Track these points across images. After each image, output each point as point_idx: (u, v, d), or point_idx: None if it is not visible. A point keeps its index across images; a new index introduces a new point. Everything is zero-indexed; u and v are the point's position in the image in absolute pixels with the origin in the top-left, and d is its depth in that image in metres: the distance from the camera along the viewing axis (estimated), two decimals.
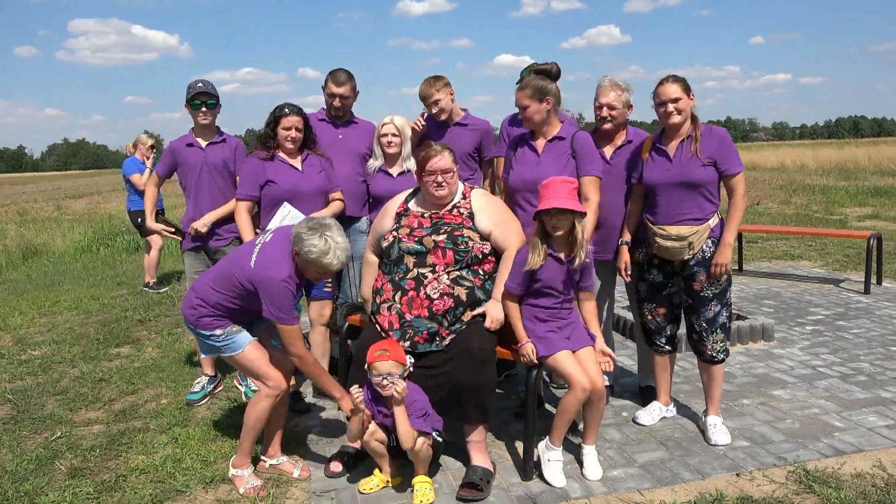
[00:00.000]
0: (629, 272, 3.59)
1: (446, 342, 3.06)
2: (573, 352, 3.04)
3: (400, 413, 2.84)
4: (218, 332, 3.01)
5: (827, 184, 17.94)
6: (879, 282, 6.73)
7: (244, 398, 4.16)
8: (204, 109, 4.04)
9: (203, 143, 4.08)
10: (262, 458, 3.26)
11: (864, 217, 11.86)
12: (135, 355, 5.21)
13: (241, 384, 4.27)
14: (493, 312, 3.11)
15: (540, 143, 3.58)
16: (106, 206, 20.52)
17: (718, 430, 3.41)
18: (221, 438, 3.60)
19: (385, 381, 2.83)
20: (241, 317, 3.08)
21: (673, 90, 3.25)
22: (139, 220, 7.44)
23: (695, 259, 3.30)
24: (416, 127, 4.18)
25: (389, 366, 2.83)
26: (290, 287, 2.86)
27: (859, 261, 7.86)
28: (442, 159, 3.21)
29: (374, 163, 4.18)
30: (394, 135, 4.08)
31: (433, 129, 4.40)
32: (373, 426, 2.93)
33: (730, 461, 3.19)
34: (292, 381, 3.43)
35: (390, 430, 2.96)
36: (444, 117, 4.22)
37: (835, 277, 7.16)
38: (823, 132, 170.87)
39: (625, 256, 3.58)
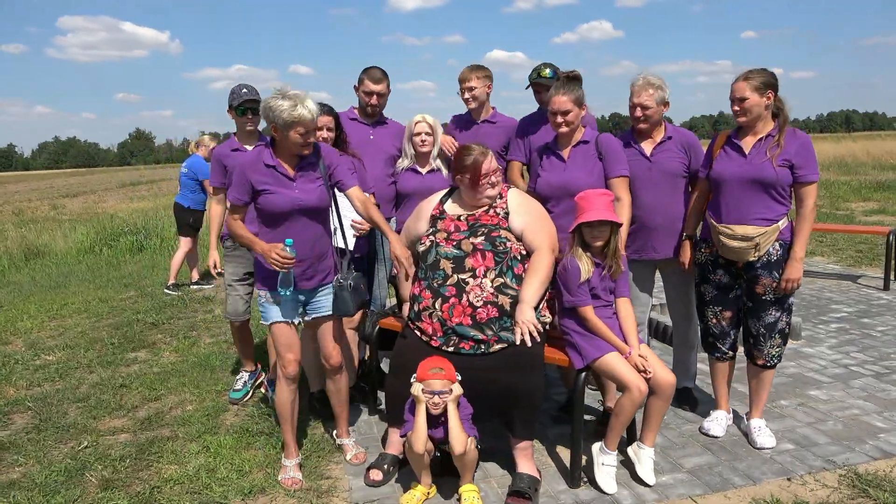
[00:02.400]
0: (689, 268, 3.52)
1: (494, 349, 2.98)
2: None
3: (453, 415, 2.78)
4: (262, 293, 3.12)
5: (828, 178, 17.94)
6: None
7: (270, 404, 4.08)
8: (251, 116, 3.93)
9: (249, 147, 3.98)
10: (334, 435, 3.51)
11: (871, 212, 11.85)
12: (153, 360, 5.12)
13: (268, 390, 4.19)
14: (521, 316, 2.97)
15: (566, 150, 3.53)
16: (103, 206, 20.33)
17: (764, 434, 3.35)
18: (254, 447, 3.52)
19: (437, 399, 2.78)
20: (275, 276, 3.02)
21: (740, 88, 3.15)
22: (191, 219, 7.76)
23: (760, 261, 3.21)
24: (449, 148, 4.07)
25: (442, 384, 2.79)
26: (246, 165, 3.01)
27: (872, 256, 7.84)
28: (492, 160, 3.21)
29: (403, 161, 4.11)
30: (427, 133, 4.01)
31: (462, 127, 4.34)
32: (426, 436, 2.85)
33: (778, 465, 3.13)
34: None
35: (436, 440, 2.89)
36: (473, 105, 4.18)
37: (851, 273, 7.13)
38: (815, 126, 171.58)
39: (687, 251, 3.50)
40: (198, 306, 6.89)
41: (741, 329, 3.46)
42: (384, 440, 3.49)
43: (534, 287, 3.03)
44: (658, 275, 3.81)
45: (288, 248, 2.90)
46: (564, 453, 3.34)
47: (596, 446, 3.07)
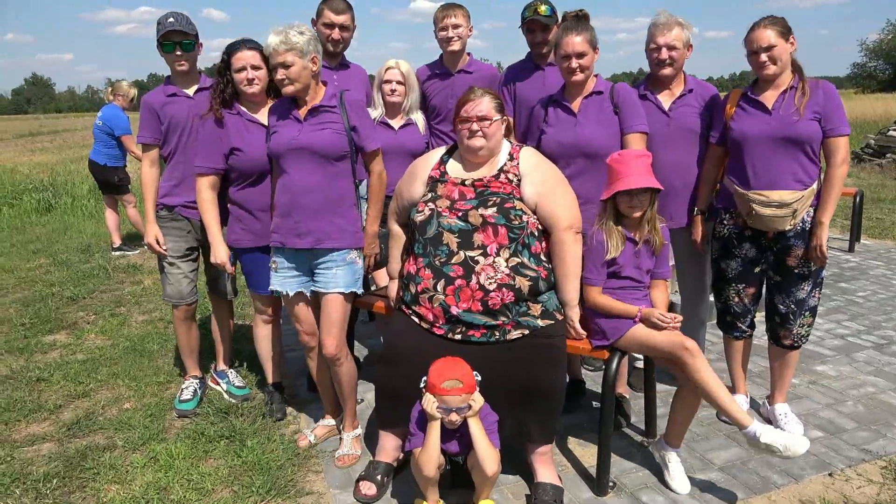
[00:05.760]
0: (703, 245, 3.16)
1: (512, 336, 2.51)
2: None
3: (478, 430, 2.30)
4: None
5: None
6: (858, 238, 6.66)
7: (226, 397, 3.49)
8: (179, 53, 3.15)
9: (189, 92, 3.24)
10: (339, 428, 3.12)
11: None
12: (75, 344, 4.36)
13: (218, 383, 3.58)
14: (576, 318, 2.65)
15: (576, 101, 3.05)
16: (0, 159, 18.34)
17: (791, 421, 3.07)
18: (213, 456, 2.94)
19: (454, 416, 2.30)
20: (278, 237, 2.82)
21: (767, 36, 2.77)
22: (116, 177, 6.92)
23: (793, 230, 2.87)
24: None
25: (461, 400, 2.29)
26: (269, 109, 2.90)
27: None
28: (479, 104, 2.63)
29: (374, 112, 3.53)
30: (399, 82, 3.50)
31: (433, 79, 3.78)
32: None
33: (814, 457, 2.85)
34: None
35: (449, 453, 2.42)
36: (456, 48, 3.63)
37: None
38: (728, 84, 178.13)
39: (699, 227, 3.14)
40: (123, 276, 6.07)
41: (763, 307, 3.14)
42: (369, 440, 3.02)
43: (573, 284, 2.62)
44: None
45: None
46: (579, 450, 2.96)
47: (659, 452, 2.73)
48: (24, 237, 7.95)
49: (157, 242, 3.22)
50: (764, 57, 2.81)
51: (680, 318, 2.53)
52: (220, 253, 3.03)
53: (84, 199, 9.95)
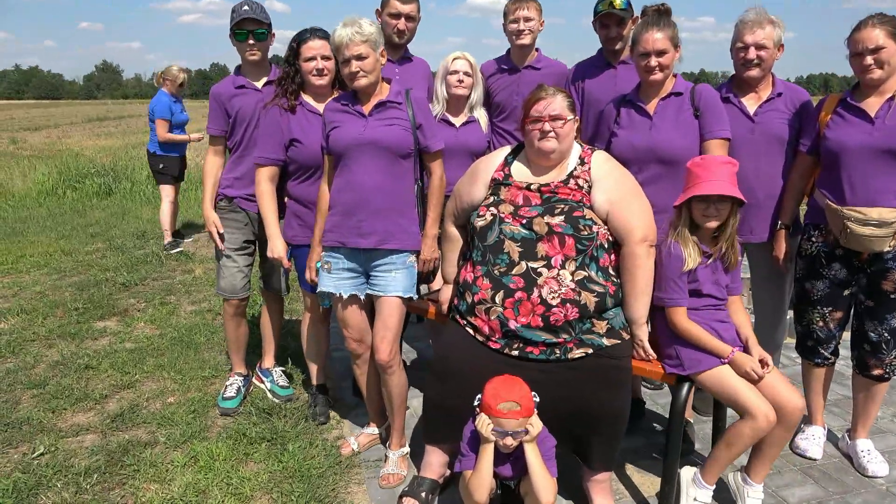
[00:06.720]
0: (787, 264, 2.90)
1: (574, 355, 2.32)
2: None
3: (535, 457, 2.13)
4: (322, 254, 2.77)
5: None
6: None
7: (269, 397, 3.41)
8: (251, 42, 3.09)
9: (258, 84, 3.16)
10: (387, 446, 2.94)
11: None
12: (124, 332, 4.37)
13: (262, 381, 3.50)
14: (645, 338, 2.47)
15: (652, 103, 2.82)
16: (68, 142, 18.99)
17: (875, 459, 2.79)
18: (254, 459, 2.85)
19: (510, 440, 2.14)
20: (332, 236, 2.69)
21: (875, 36, 2.51)
22: (160, 165, 6.70)
23: (892, 252, 2.60)
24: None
25: (518, 423, 2.13)
26: (326, 107, 2.75)
27: None
28: (552, 103, 2.43)
29: (434, 109, 3.37)
30: (466, 73, 3.30)
31: (499, 74, 3.59)
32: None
33: None
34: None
35: (501, 477, 2.26)
36: (526, 41, 3.43)
37: None
38: None
39: (783, 243, 2.88)
40: (174, 265, 6.11)
41: (850, 334, 2.87)
42: (414, 453, 2.88)
43: (643, 301, 2.42)
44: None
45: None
46: (638, 477, 2.76)
47: (687, 474, 2.47)
48: (85, 220, 8.13)
49: (217, 229, 3.18)
50: (870, 59, 2.55)
51: (770, 369, 2.33)
52: (277, 247, 2.94)
53: (142, 184, 10.15)
